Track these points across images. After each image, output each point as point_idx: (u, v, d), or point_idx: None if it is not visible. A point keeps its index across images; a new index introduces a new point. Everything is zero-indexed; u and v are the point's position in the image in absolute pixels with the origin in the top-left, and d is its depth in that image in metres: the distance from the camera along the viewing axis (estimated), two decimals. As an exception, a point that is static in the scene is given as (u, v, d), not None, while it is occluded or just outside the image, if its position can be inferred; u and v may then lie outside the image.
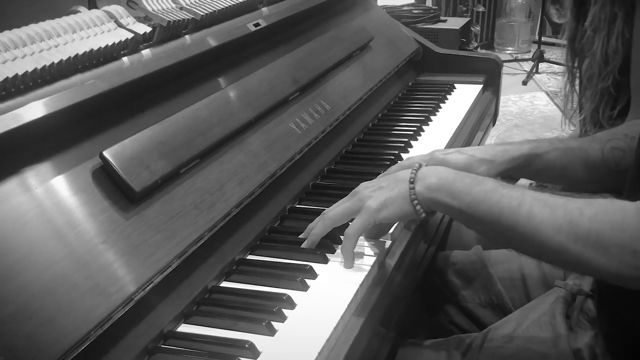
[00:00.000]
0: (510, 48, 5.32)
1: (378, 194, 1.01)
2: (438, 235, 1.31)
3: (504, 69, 5.00)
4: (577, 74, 1.57)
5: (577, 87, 1.60)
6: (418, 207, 0.99)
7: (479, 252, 1.37)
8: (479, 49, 5.14)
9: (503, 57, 5.06)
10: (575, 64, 1.56)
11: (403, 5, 2.73)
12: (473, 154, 1.17)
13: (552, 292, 1.17)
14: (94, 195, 0.89)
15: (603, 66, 1.41)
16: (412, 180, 0.99)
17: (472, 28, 4.87)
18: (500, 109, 3.99)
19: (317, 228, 1.04)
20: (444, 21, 3.17)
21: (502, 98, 4.07)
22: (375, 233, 1.08)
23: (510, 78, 4.62)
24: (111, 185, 0.91)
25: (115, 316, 0.82)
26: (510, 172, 1.20)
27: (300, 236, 1.08)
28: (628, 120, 1.37)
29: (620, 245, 0.82)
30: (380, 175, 1.12)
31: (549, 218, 0.87)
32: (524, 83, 4.56)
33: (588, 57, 1.47)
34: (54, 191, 0.86)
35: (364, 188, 1.04)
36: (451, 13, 4.99)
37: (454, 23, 3.22)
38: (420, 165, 1.02)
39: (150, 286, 0.87)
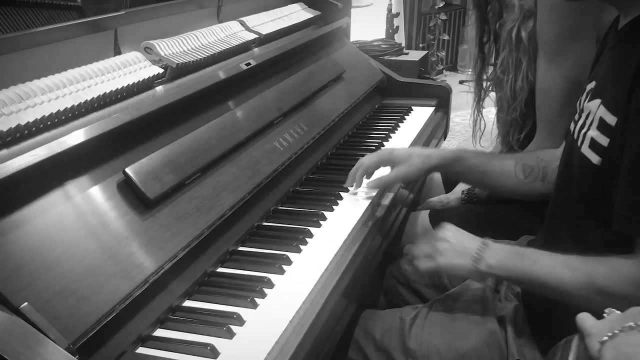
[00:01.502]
0: (470, 70, 5.39)
1: (444, 245, 1.08)
2: (393, 230, 1.36)
3: (465, 87, 5.03)
4: (483, 103, 1.63)
5: (483, 113, 1.66)
6: (469, 274, 1.05)
7: None
8: (444, 71, 5.21)
9: (464, 77, 5.12)
10: (482, 95, 1.63)
11: (373, 41, 2.76)
12: (412, 151, 1.30)
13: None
14: (118, 202, 0.94)
15: (512, 101, 1.45)
16: (476, 259, 1.03)
17: (437, 53, 4.94)
18: (459, 121, 4.05)
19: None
20: (407, 54, 3.22)
21: (461, 112, 4.15)
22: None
23: (469, 95, 4.66)
24: (132, 194, 0.96)
25: (135, 294, 0.87)
26: (439, 169, 1.30)
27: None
28: (535, 142, 1.44)
29: (627, 295, 0.89)
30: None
31: (574, 279, 0.94)
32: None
33: (499, 93, 1.55)
34: (89, 199, 0.91)
35: (443, 234, 1.09)
36: (421, 40, 5.06)
37: (415, 55, 3.26)
38: (486, 246, 1.04)
39: (162, 271, 0.92)
